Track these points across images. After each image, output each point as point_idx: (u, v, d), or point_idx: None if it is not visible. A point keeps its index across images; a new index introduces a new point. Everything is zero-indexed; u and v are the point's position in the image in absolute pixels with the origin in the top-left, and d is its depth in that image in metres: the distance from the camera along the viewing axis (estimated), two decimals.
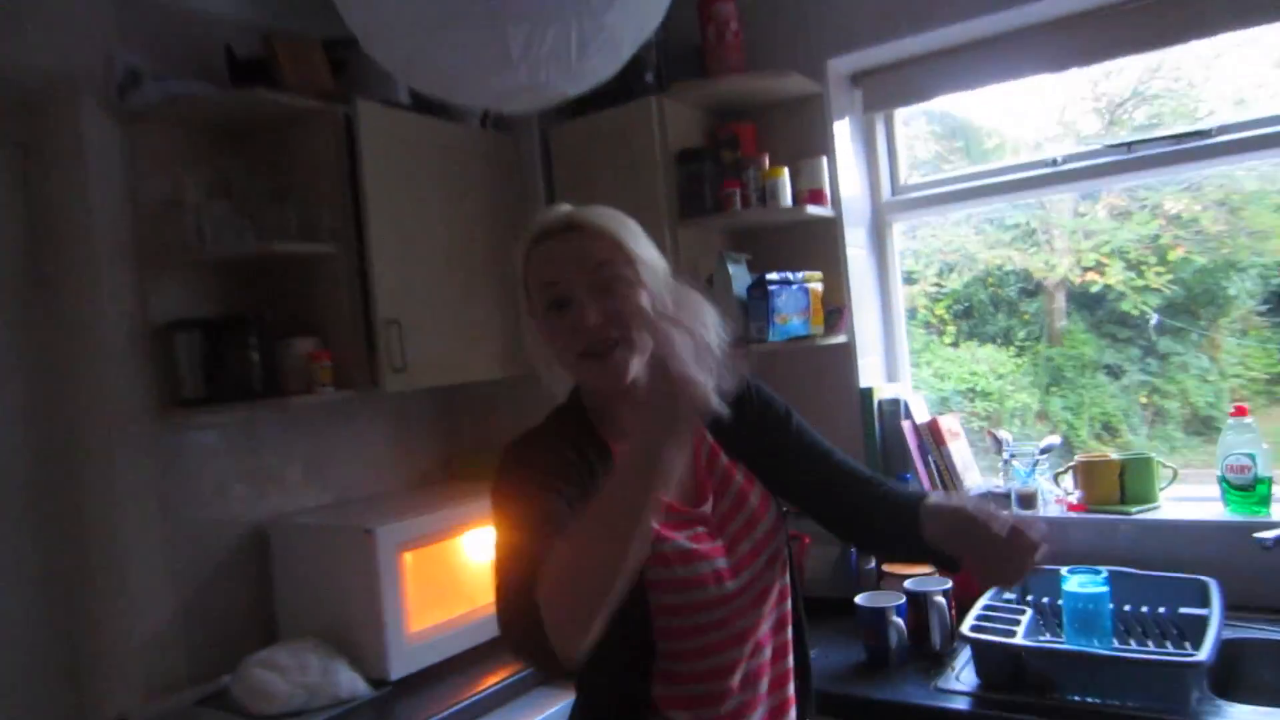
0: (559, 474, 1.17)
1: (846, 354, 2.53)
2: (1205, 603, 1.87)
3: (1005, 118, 2.67)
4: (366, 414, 2.68)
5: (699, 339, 0.95)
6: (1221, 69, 2.38)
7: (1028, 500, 2.35)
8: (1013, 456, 2.44)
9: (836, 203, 2.52)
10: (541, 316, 1.27)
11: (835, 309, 2.51)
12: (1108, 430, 2.86)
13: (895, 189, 2.68)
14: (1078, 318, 2.72)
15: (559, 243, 1.26)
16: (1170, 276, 2.61)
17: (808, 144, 2.54)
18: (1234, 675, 1.83)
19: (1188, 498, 2.30)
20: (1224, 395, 2.64)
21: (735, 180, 2.43)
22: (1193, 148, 2.25)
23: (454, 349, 2.48)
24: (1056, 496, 2.36)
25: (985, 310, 2.81)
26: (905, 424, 2.49)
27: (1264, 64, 2.32)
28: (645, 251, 1.28)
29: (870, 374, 2.59)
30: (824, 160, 2.48)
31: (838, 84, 2.57)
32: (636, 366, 1.23)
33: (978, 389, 2.78)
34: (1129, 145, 2.34)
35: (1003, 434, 2.48)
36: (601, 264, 1.23)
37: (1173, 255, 2.67)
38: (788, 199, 2.42)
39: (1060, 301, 2.95)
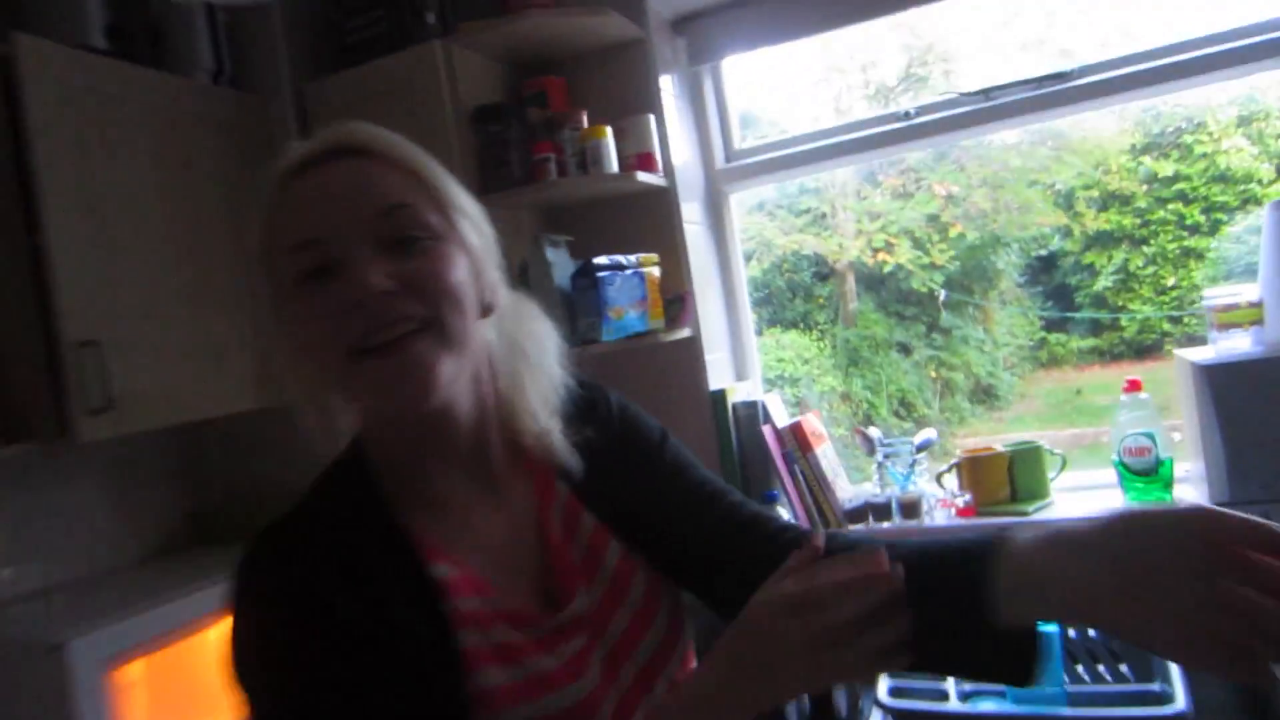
0: (339, 636, 0.71)
1: (692, 351, 2.08)
2: None
3: (776, 99, 2.40)
4: (71, 469, 1.96)
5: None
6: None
7: (911, 508, 1.99)
8: (887, 457, 2.08)
9: (669, 170, 2.07)
10: (290, 298, 0.76)
11: (676, 297, 2.06)
12: (904, 406, 2.94)
13: (730, 154, 2.28)
14: (867, 298, 2.81)
15: (324, 174, 0.77)
16: (952, 253, 2.72)
17: (629, 101, 2.08)
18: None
19: (1080, 487, 2.02)
20: (999, 364, 2.79)
21: (547, 143, 1.93)
22: (1053, 92, 1.98)
23: (185, 375, 1.82)
24: (942, 500, 2.01)
25: (783, 296, 2.81)
26: (766, 429, 2.07)
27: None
28: (462, 199, 0.83)
29: (719, 373, 2.15)
30: (651, 119, 2.03)
31: (659, 31, 2.12)
32: (452, 372, 0.76)
33: (786, 375, 2.72)
34: (986, 93, 2.05)
35: (873, 432, 2.11)
36: (396, 207, 0.76)
37: (953, 232, 2.74)
38: (613, 164, 1.94)
39: (851, 283, 3.07)
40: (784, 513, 2.04)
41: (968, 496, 1.96)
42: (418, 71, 1.92)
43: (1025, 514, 1.91)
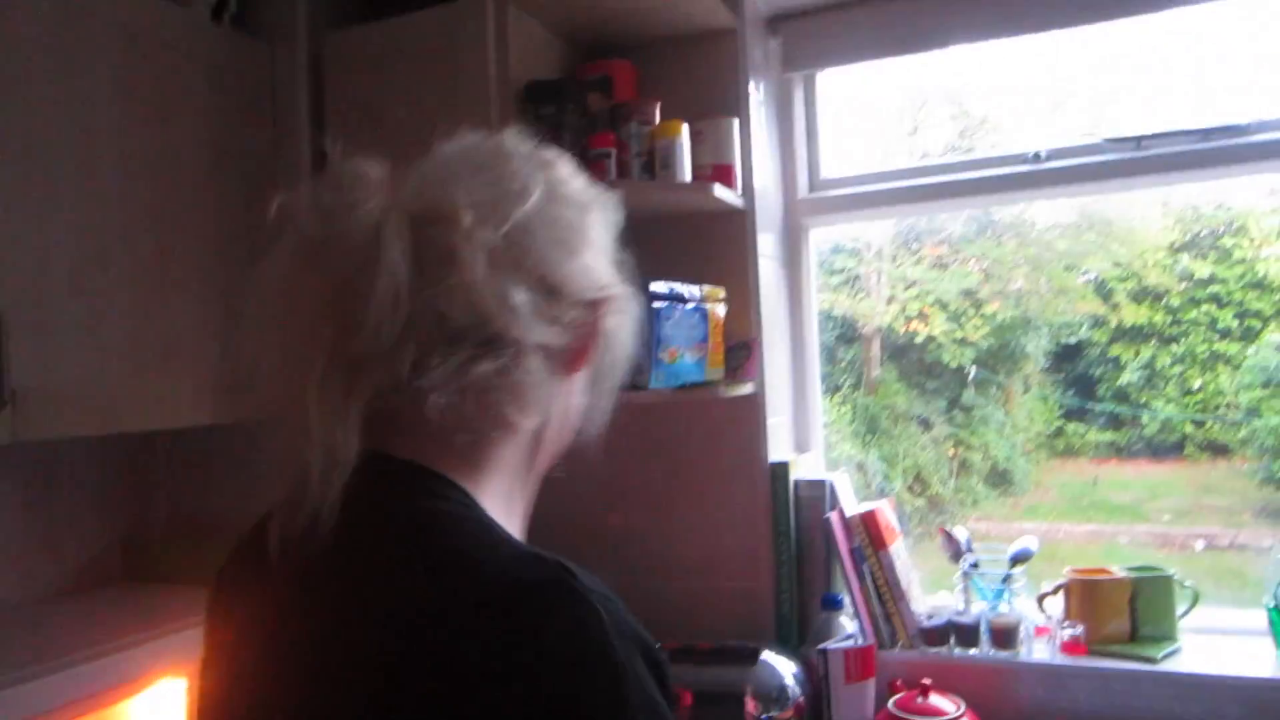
0: None
1: (752, 412, 1.64)
2: None
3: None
4: None
5: None
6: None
7: (1005, 635, 1.54)
8: (975, 566, 1.63)
9: (749, 190, 1.64)
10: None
11: (741, 345, 1.62)
12: (919, 482, 2.85)
13: (815, 183, 1.84)
14: (890, 367, 2.72)
15: None
16: (986, 330, 2.66)
17: (709, 101, 1.65)
18: None
19: (1216, 630, 1.57)
20: (1017, 448, 2.74)
21: (609, 136, 1.50)
22: (1222, 147, 1.56)
23: (121, 373, 1.37)
24: (1042, 628, 1.56)
25: None
26: (833, 517, 1.62)
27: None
28: None
29: (779, 441, 1.70)
30: (735, 124, 1.60)
31: (753, 25, 1.70)
32: None
33: None
34: (1138, 141, 1.62)
35: (959, 532, 1.66)
36: None
37: (989, 309, 2.66)
38: (686, 171, 1.51)
39: (876, 350, 2.94)
40: (848, 624, 1.58)
41: (1078, 629, 1.51)
42: (461, 32, 1.50)
43: (1153, 660, 1.46)
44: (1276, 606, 1.45)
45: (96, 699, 1.23)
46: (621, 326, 0.68)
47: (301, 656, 0.56)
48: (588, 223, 0.65)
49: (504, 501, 0.64)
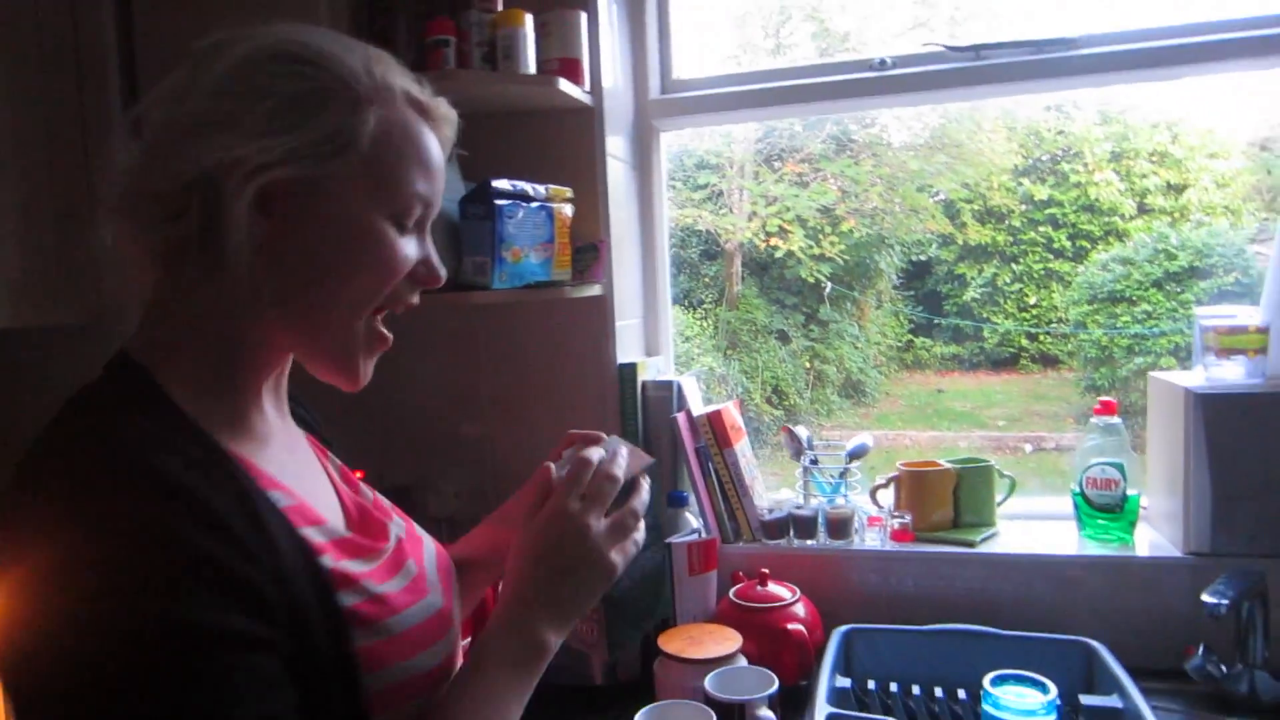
0: (241, 561, 0.57)
1: (600, 313, 1.61)
2: (1103, 684, 1.23)
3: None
4: None
5: None
6: None
7: (839, 525, 1.60)
8: (815, 462, 1.67)
9: (597, 87, 1.58)
10: (369, 205, 0.68)
11: (588, 246, 1.58)
12: (777, 394, 2.86)
13: (667, 85, 1.80)
14: (751, 282, 2.77)
15: (440, 134, 0.75)
16: (842, 246, 2.72)
17: None
18: None
19: (1029, 515, 1.68)
20: (869, 361, 2.80)
21: (448, 22, 1.41)
22: (1054, 59, 1.60)
23: None
24: (874, 518, 1.62)
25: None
26: (679, 417, 1.63)
27: None
28: None
29: (628, 343, 1.69)
30: (582, 18, 1.53)
31: None
32: None
33: None
34: (977, 50, 1.65)
35: (802, 431, 1.70)
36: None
37: (845, 226, 2.69)
38: (530, 63, 1.44)
39: (738, 265, 3.09)
40: (692, 520, 1.60)
41: (906, 517, 1.58)
42: None
43: (972, 544, 1.54)
44: (1080, 492, 1.55)
45: None
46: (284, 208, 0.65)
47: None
48: (209, 105, 0.64)
49: (208, 376, 0.67)
